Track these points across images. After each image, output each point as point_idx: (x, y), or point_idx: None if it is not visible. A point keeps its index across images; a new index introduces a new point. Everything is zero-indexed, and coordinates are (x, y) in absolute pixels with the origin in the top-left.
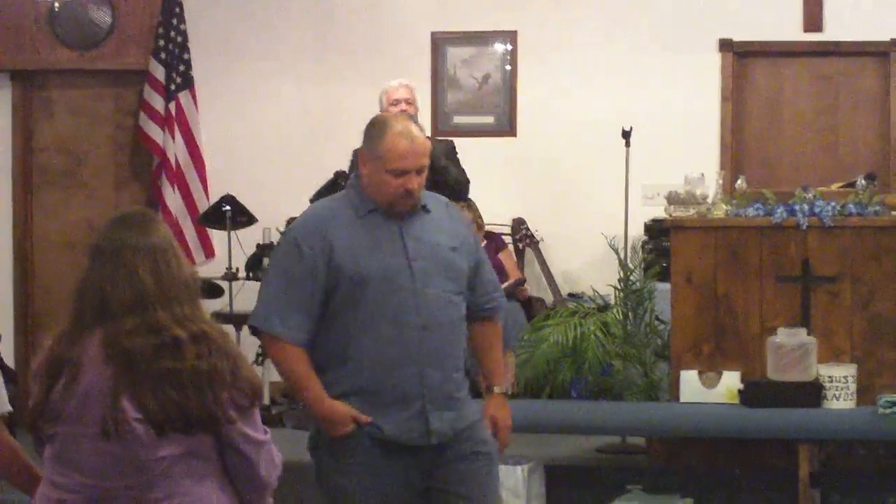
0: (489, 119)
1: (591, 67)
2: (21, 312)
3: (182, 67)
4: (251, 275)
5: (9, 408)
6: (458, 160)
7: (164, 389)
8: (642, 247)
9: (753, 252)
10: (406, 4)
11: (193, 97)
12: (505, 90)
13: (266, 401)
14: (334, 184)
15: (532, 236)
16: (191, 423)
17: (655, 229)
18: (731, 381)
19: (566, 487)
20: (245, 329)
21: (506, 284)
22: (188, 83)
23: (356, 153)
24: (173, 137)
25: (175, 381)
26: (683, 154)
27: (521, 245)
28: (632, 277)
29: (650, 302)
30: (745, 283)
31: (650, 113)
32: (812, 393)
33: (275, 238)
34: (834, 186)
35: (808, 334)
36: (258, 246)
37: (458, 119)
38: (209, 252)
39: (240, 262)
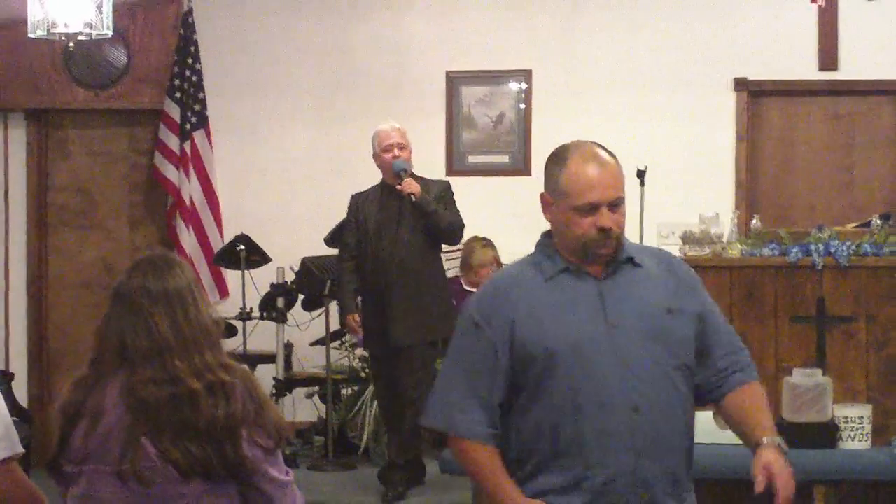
0: (504, 158)
1: (606, 106)
2: (35, 352)
3: (197, 107)
4: (265, 315)
5: (21, 449)
6: (453, 202)
7: (182, 441)
8: None
9: (768, 292)
10: (421, 43)
11: (208, 136)
12: (519, 129)
13: None
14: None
15: None
16: (212, 473)
17: None
18: None
19: None
20: (260, 368)
21: None
22: (203, 122)
23: (353, 197)
24: (188, 177)
25: (192, 432)
26: (698, 193)
27: None
28: None
29: None
30: (761, 322)
31: (665, 152)
32: (827, 434)
33: (289, 278)
34: (849, 226)
35: (824, 375)
36: (272, 285)
37: (473, 158)
38: (223, 292)
39: (254, 302)
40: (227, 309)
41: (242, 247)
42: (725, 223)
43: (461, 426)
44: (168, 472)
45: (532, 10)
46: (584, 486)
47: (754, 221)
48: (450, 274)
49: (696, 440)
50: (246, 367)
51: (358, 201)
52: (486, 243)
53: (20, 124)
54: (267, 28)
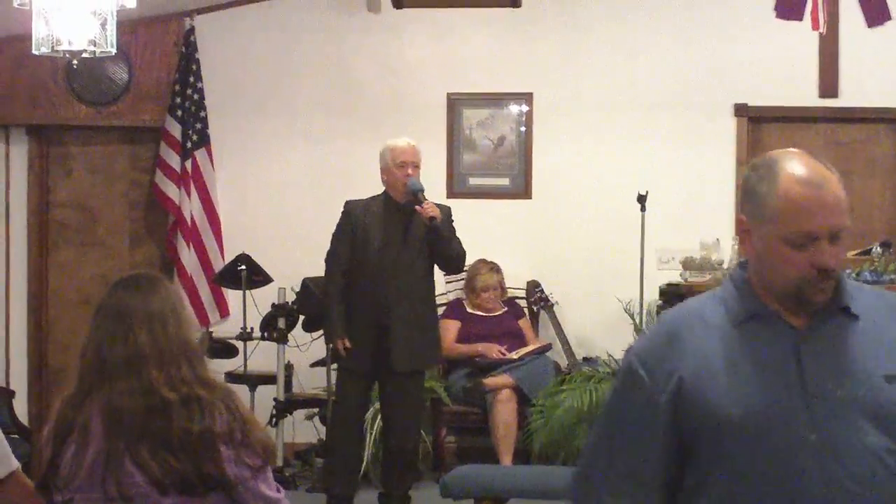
0: (504, 181)
1: (607, 131)
2: (36, 369)
3: (198, 125)
4: (266, 335)
5: (17, 462)
6: (454, 229)
7: (158, 451)
8: (657, 311)
9: None
10: (422, 65)
11: (209, 155)
12: (520, 152)
13: (279, 462)
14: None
15: (547, 299)
16: (190, 487)
17: (671, 294)
18: None
19: None
20: (260, 389)
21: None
22: (204, 141)
23: (348, 204)
24: (189, 195)
25: (167, 444)
26: (699, 218)
27: (535, 308)
28: None
29: None
30: None
31: (666, 177)
32: None
33: (290, 298)
34: (850, 253)
35: None
36: (273, 306)
37: (474, 181)
38: (224, 311)
39: (255, 322)
40: (228, 329)
41: (244, 266)
42: (726, 249)
43: None
44: (149, 488)
45: (533, 33)
46: None
47: None
48: (452, 296)
49: None
50: (228, 385)
51: (354, 210)
52: (493, 267)
53: (21, 140)
54: (269, 47)
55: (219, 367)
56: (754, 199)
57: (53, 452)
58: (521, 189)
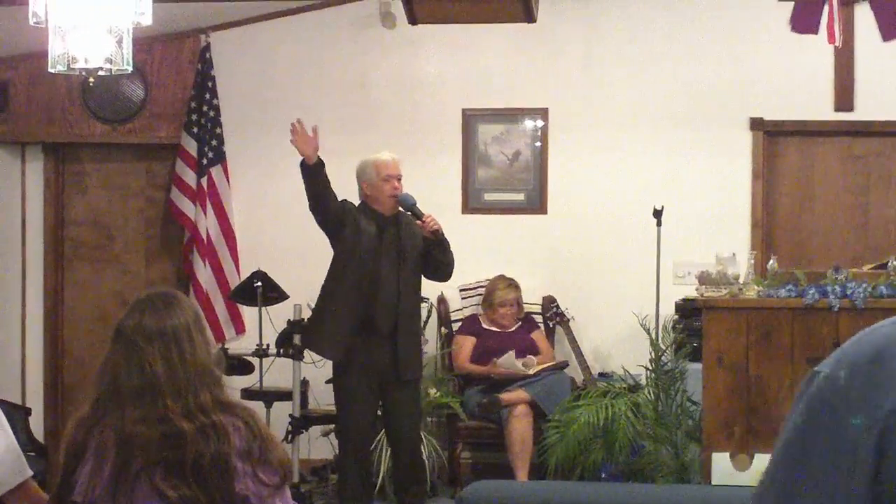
0: (519, 196)
1: (622, 145)
2: (51, 386)
3: (214, 142)
4: (281, 351)
5: (30, 471)
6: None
7: (170, 478)
8: (673, 326)
9: (785, 333)
10: (438, 81)
11: (225, 172)
12: (535, 167)
13: (295, 478)
14: None
15: (562, 314)
16: None
17: (687, 308)
18: (763, 463)
19: None
20: (276, 405)
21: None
22: (220, 158)
23: (346, 201)
24: (205, 212)
25: (180, 471)
26: (714, 233)
27: (551, 323)
28: (663, 357)
29: (681, 382)
30: (777, 364)
31: (681, 191)
32: None
33: (306, 315)
34: (866, 267)
35: None
36: (289, 322)
37: (489, 196)
38: (240, 328)
39: (270, 339)
40: (244, 345)
41: (259, 283)
42: (742, 264)
43: None
44: None
45: (549, 48)
46: None
47: (771, 262)
48: (468, 312)
49: (714, 482)
50: (247, 404)
51: (352, 208)
52: (511, 283)
53: (37, 157)
54: (284, 64)
55: (235, 384)
56: None
57: (66, 470)
58: (537, 204)
